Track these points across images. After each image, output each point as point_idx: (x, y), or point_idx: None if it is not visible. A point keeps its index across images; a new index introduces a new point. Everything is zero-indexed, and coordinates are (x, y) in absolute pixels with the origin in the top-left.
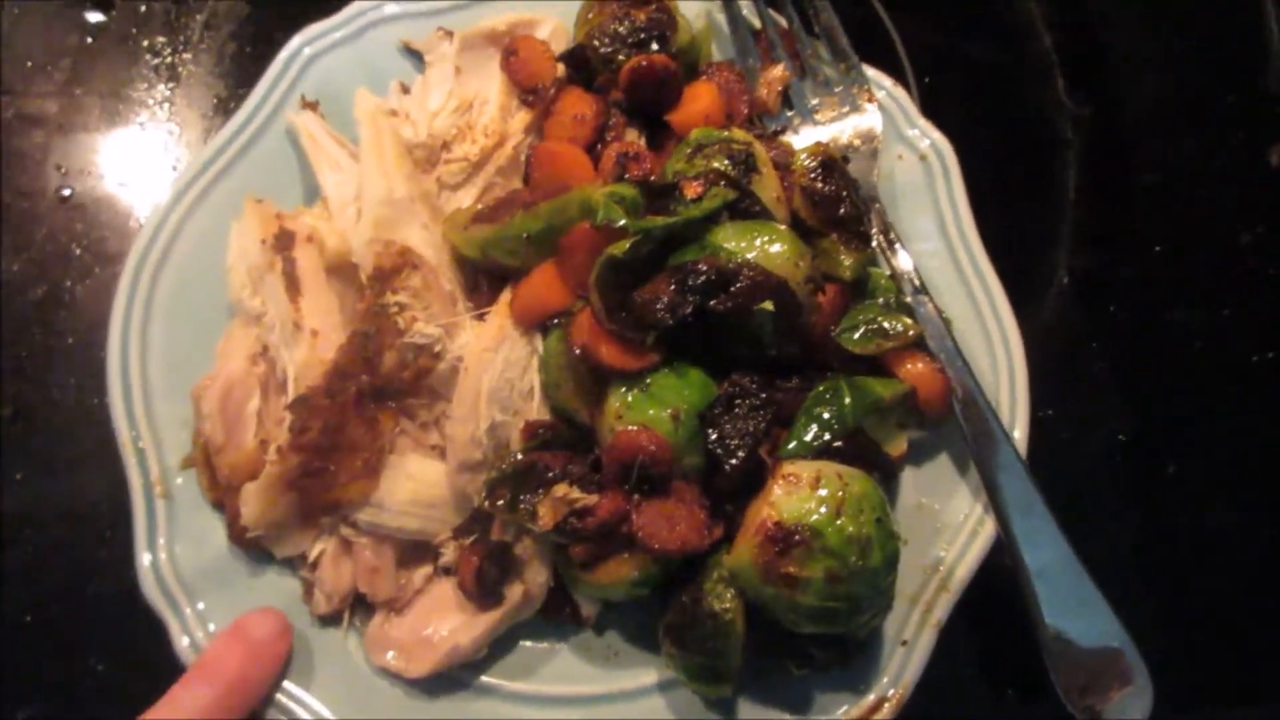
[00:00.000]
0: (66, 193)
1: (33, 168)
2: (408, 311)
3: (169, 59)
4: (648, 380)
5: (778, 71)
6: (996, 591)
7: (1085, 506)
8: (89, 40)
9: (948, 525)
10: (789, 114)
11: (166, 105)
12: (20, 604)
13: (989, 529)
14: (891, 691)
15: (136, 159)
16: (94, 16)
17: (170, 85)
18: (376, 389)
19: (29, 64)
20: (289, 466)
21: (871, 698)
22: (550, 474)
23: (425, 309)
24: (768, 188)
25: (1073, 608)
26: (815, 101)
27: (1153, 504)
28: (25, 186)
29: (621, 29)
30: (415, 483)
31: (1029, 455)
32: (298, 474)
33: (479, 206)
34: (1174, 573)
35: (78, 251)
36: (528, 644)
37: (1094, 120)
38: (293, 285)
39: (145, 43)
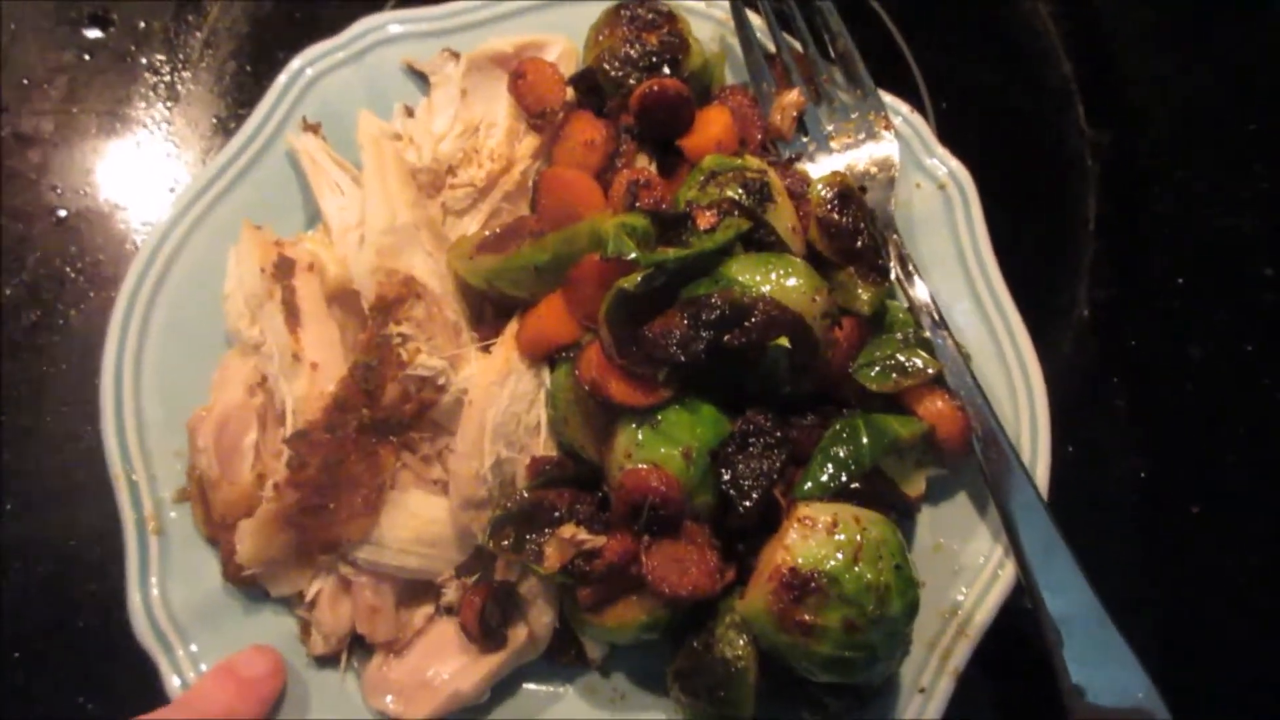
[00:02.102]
0: (62, 214)
1: (28, 188)
2: (411, 343)
3: (168, 77)
4: (658, 417)
5: (793, 96)
6: (1017, 637)
7: (1108, 545)
8: (87, 57)
9: (967, 567)
10: (804, 140)
11: (165, 125)
12: (8, 639)
13: (1009, 572)
14: None
15: (134, 179)
16: (92, 33)
17: (169, 104)
18: (378, 422)
19: (25, 81)
20: (286, 503)
21: None
22: (557, 513)
23: (429, 340)
24: (783, 218)
25: (1097, 659)
26: (831, 127)
27: (1175, 544)
28: (20, 207)
29: (633, 52)
30: (417, 520)
31: (1049, 493)
32: (295, 511)
33: (484, 234)
34: (1197, 615)
35: (72, 275)
36: (531, 686)
37: (1114, 148)
38: (292, 315)
39: (144, 60)
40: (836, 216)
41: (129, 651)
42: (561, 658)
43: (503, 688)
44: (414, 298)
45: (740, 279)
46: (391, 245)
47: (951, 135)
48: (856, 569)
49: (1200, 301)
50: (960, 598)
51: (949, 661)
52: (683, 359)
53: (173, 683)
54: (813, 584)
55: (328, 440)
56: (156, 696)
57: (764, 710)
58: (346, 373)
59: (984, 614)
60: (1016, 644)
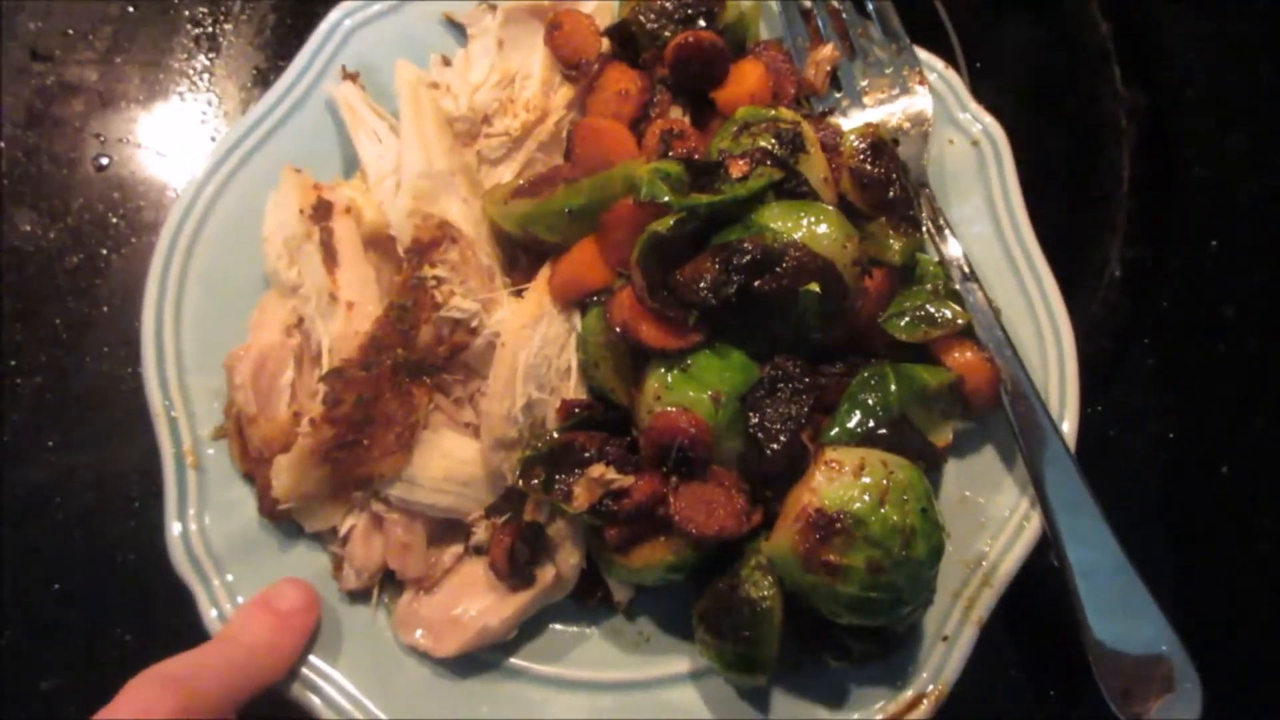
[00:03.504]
0: (105, 161)
1: (71, 135)
2: (445, 285)
3: (210, 29)
4: (688, 361)
5: (827, 51)
6: (1041, 589)
7: (1133, 505)
8: (130, 9)
9: (992, 520)
10: (837, 95)
11: (206, 75)
12: (48, 572)
13: (1035, 525)
14: (930, 688)
15: (175, 129)
16: None
17: (210, 55)
18: (412, 363)
19: (70, 32)
20: (322, 439)
21: (910, 694)
22: (586, 454)
23: (463, 283)
24: (815, 168)
25: (1120, 609)
26: (864, 83)
27: (1203, 504)
28: (63, 155)
29: (669, 4)
30: (449, 460)
31: (1077, 451)
32: (330, 447)
33: (519, 181)
34: (1224, 575)
35: (114, 220)
36: (558, 627)
37: (1149, 110)
38: (330, 256)
39: (186, 12)
40: (869, 167)
41: (166, 585)
42: (588, 600)
43: (530, 627)
44: (449, 241)
45: (772, 225)
46: (428, 190)
47: (986, 93)
48: (882, 511)
49: (1233, 263)
50: (985, 549)
51: (973, 611)
52: (713, 303)
53: (210, 614)
54: (838, 524)
55: (363, 377)
56: (193, 630)
57: (788, 654)
58: (382, 313)
59: (1009, 565)
60: (1041, 595)
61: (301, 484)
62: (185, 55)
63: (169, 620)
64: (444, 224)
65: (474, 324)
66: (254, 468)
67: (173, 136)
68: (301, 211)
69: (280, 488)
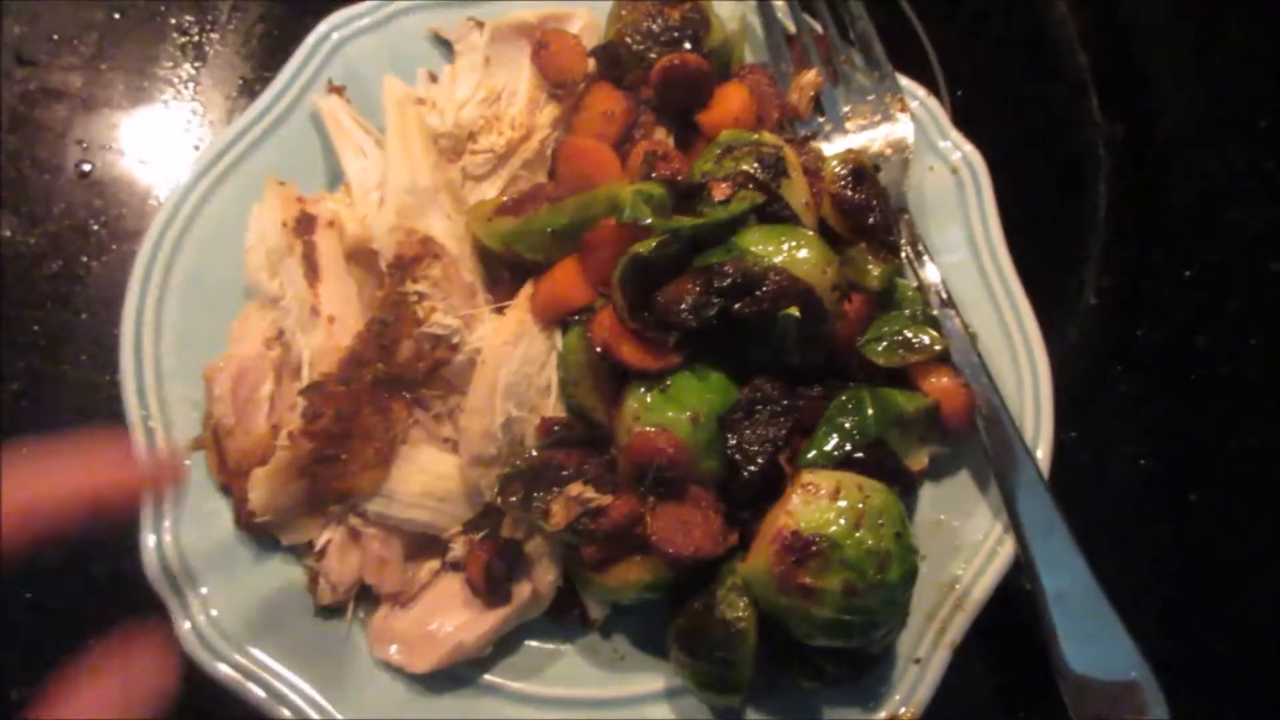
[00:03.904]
0: (87, 168)
1: (54, 141)
2: (427, 301)
3: (196, 38)
4: (668, 381)
5: (810, 76)
6: (1013, 613)
7: (1106, 531)
8: (116, 16)
9: (966, 543)
10: (820, 120)
11: (191, 84)
12: (20, 581)
13: (1008, 549)
14: (903, 710)
15: (159, 137)
16: None
17: (196, 64)
18: (392, 377)
19: (55, 37)
20: (300, 452)
21: (882, 715)
22: (565, 473)
23: (444, 299)
24: (797, 193)
25: (1091, 634)
26: (847, 108)
27: (1175, 531)
28: (45, 160)
29: (654, 26)
30: (427, 475)
31: (1051, 476)
32: (308, 460)
33: (503, 199)
34: (1196, 601)
35: (95, 227)
36: (533, 644)
37: (1127, 139)
38: (312, 270)
39: (173, 20)
40: (850, 193)
41: (140, 595)
42: (564, 617)
43: (505, 644)
44: (431, 257)
45: (753, 249)
46: (411, 205)
47: (966, 122)
48: (858, 534)
49: (1208, 293)
50: (959, 572)
51: (946, 634)
52: (694, 324)
53: (184, 626)
54: (814, 547)
55: (342, 392)
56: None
57: (762, 674)
58: (363, 328)
59: (982, 589)
60: (1013, 619)
61: (278, 497)
62: (171, 63)
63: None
64: (427, 240)
65: (455, 340)
66: (231, 480)
67: (156, 145)
68: (284, 224)
69: (257, 501)
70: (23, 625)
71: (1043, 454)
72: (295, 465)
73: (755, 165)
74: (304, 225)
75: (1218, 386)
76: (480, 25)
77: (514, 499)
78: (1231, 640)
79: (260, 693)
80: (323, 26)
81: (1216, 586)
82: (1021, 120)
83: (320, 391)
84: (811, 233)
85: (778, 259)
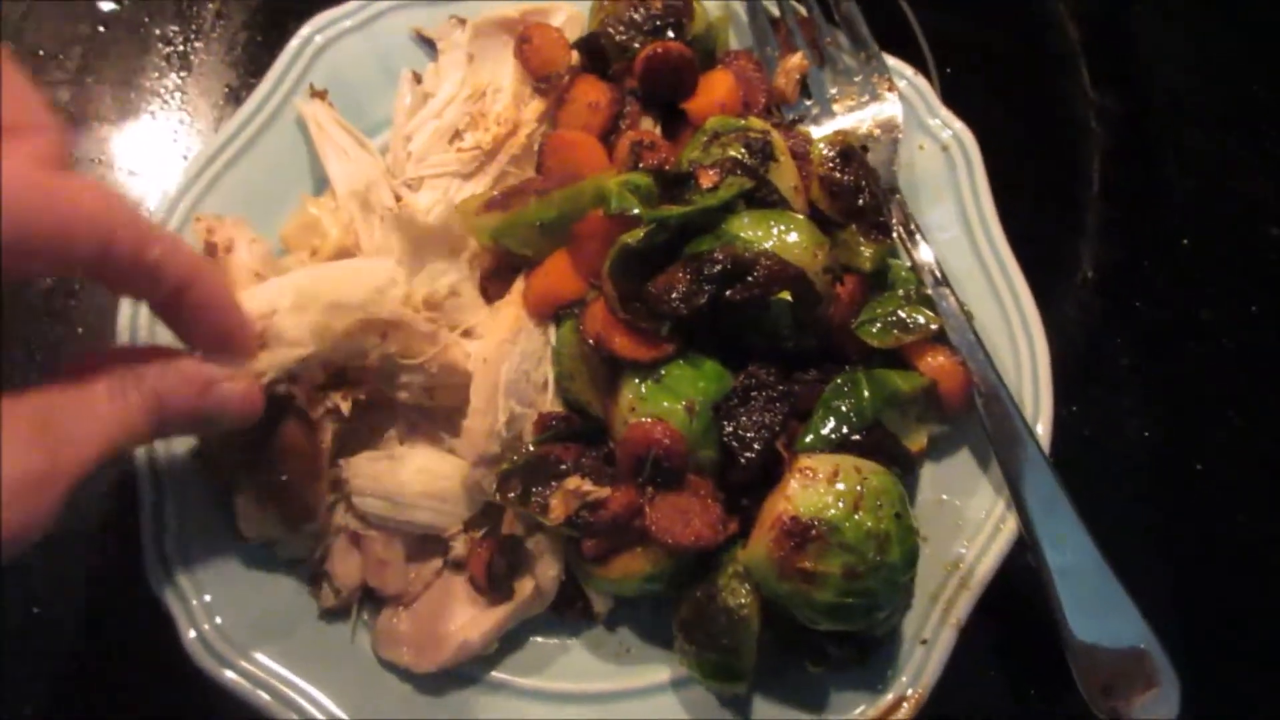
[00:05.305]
0: None
1: None
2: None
3: (181, 48)
4: (662, 371)
5: (796, 60)
6: (1018, 590)
7: (1109, 505)
8: (101, 29)
9: (969, 522)
10: (807, 103)
11: (178, 94)
12: (26, 596)
13: (1011, 526)
14: (910, 691)
15: (147, 148)
16: (106, 5)
17: (182, 74)
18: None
19: (41, 53)
20: (255, 481)
21: (890, 697)
22: (563, 467)
23: (410, 356)
24: (785, 177)
25: (1097, 608)
26: (834, 91)
27: (1179, 503)
28: None
29: (637, 16)
30: (426, 475)
31: (1051, 451)
32: (261, 488)
33: (492, 194)
34: (1201, 573)
35: None
36: (538, 640)
37: (1119, 113)
38: None
39: (157, 31)
40: (838, 175)
41: (144, 605)
42: (568, 612)
43: (511, 641)
44: (380, 339)
45: (742, 235)
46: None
47: (956, 100)
48: (857, 517)
49: (1206, 263)
50: (963, 551)
51: (951, 614)
52: (685, 313)
53: (189, 635)
54: (813, 531)
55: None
56: (172, 651)
57: (768, 660)
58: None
59: (986, 567)
60: (1018, 596)
61: (260, 524)
62: (157, 74)
63: (147, 642)
64: (367, 324)
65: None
66: (229, 489)
67: (145, 156)
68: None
69: (243, 527)
70: (24, 636)
71: (1043, 429)
72: (257, 494)
73: (742, 151)
74: (210, 254)
75: (1219, 355)
76: (463, 22)
77: (513, 495)
78: (1240, 611)
79: (267, 698)
80: (305, 29)
81: (1225, 556)
82: (1012, 96)
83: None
84: (801, 216)
85: (768, 244)
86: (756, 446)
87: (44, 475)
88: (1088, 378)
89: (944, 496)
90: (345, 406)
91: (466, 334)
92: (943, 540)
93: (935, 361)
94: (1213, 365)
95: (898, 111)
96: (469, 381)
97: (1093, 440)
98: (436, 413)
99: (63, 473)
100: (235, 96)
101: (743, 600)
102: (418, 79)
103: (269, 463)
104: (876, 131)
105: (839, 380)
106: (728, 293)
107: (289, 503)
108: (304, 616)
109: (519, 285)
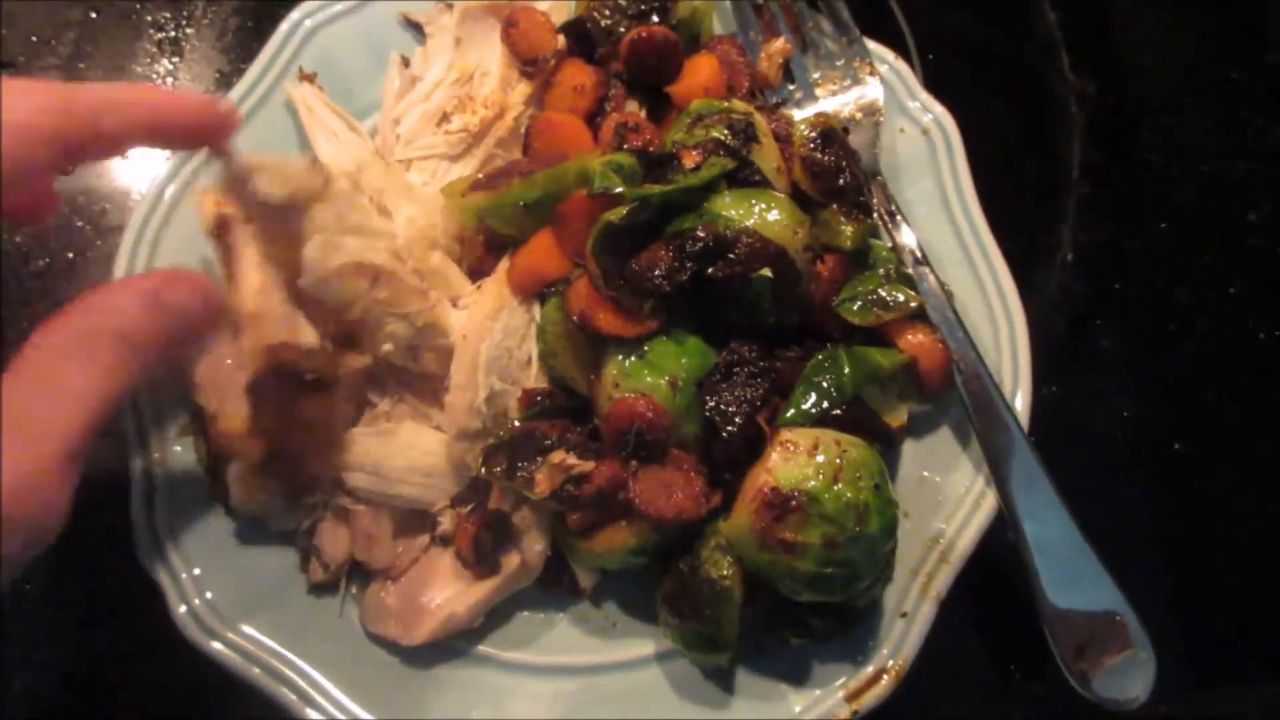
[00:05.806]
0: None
1: None
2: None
3: (172, 33)
4: (645, 348)
5: (779, 44)
6: (998, 565)
7: (1089, 483)
8: (92, 15)
9: (949, 498)
10: (790, 87)
11: (170, 79)
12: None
13: (990, 503)
14: (891, 663)
15: None
16: None
17: (173, 60)
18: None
19: (33, 39)
20: (256, 451)
21: (870, 669)
22: (548, 442)
23: (400, 309)
24: (767, 158)
25: (1074, 580)
26: (817, 75)
27: (1158, 481)
28: None
29: (623, 1)
30: (413, 451)
31: (1033, 431)
32: (264, 459)
33: (478, 175)
34: (1179, 551)
35: (79, 224)
36: (525, 614)
37: (1098, 96)
38: (230, 271)
39: (149, 18)
40: (819, 155)
41: (134, 580)
42: (554, 587)
43: (497, 615)
44: (370, 282)
45: (724, 213)
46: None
47: (937, 83)
48: (836, 488)
49: (1185, 245)
50: (943, 527)
51: (931, 587)
52: (668, 289)
53: (179, 609)
54: (793, 502)
55: (274, 386)
56: (163, 625)
57: (752, 633)
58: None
59: (965, 542)
60: (997, 571)
61: (254, 494)
62: (148, 60)
63: (137, 617)
64: (358, 267)
65: (422, 329)
66: (218, 464)
67: None
68: (210, 234)
69: (236, 498)
70: (14, 613)
71: (1021, 406)
72: (255, 464)
73: (725, 132)
74: (221, 229)
75: (1197, 336)
76: (450, 6)
77: (499, 470)
78: (1214, 585)
79: (257, 671)
80: (295, 14)
81: (1203, 533)
82: (993, 80)
83: (259, 391)
84: (782, 195)
85: (749, 222)
86: (738, 421)
87: (32, 475)
88: (1068, 359)
89: (925, 473)
90: (362, 362)
91: (454, 304)
92: (923, 516)
93: (915, 339)
94: (1191, 346)
95: (879, 95)
96: (452, 350)
97: (1072, 420)
98: (423, 386)
99: (52, 466)
100: (227, 81)
101: (725, 572)
102: (406, 63)
103: (284, 432)
104: (858, 115)
105: (820, 357)
106: (710, 270)
107: (297, 473)
108: (293, 590)
109: (503, 264)
